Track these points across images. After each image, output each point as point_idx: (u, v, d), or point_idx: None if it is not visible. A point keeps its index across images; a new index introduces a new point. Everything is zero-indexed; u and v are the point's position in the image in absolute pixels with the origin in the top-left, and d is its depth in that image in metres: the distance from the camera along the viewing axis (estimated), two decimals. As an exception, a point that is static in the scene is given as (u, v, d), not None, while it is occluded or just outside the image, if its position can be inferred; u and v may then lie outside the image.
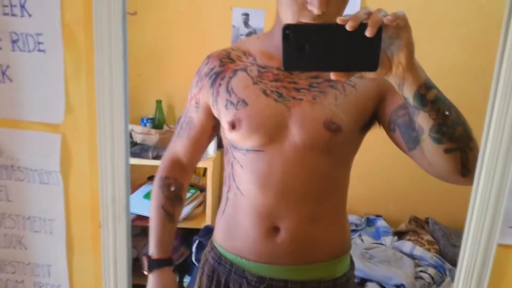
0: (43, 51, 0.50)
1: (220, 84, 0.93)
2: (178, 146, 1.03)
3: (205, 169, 2.23)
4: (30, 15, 0.48)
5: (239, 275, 0.92)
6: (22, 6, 0.48)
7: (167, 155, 1.05)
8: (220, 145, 2.14)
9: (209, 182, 2.12)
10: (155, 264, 0.95)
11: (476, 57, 2.15)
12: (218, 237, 1.01)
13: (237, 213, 0.96)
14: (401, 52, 0.64)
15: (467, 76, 2.16)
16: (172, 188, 1.02)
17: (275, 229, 0.92)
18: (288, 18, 0.80)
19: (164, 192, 1.01)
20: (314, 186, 0.91)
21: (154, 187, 1.03)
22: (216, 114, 0.97)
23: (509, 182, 0.48)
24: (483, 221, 0.49)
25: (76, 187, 0.54)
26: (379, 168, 2.24)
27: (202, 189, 2.26)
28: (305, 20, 0.79)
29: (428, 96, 0.68)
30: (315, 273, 0.93)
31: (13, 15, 0.49)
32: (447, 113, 0.70)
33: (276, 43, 0.90)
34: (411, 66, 0.65)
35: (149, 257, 0.96)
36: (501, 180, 0.48)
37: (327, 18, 0.78)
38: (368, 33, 0.58)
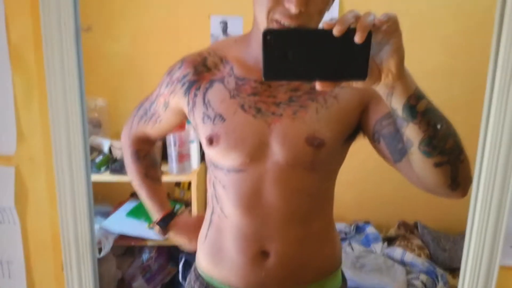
0: (-11, 74, 0.44)
1: (196, 95, 0.88)
2: (143, 129, 1.04)
3: (189, 183, 2.17)
4: (-29, 35, 0.43)
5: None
6: (-37, 26, 0.43)
7: (133, 133, 1.06)
8: (203, 158, 2.09)
9: (194, 196, 2.05)
10: (165, 223, 1.03)
11: (458, 58, 2.15)
12: (203, 264, 0.95)
13: (221, 237, 0.90)
14: (391, 59, 0.58)
15: (450, 77, 2.15)
16: (148, 157, 1.08)
17: (263, 253, 0.87)
18: (263, 16, 0.75)
19: (142, 163, 1.07)
20: (301, 205, 0.87)
21: (130, 163, 1.08)
22: (193, 123, 0.92)
23: (509, 197, 0.44)
24: (483, 241, 0.45)
25: (35, 225, 0.49)
26: (365, 173, 2.21)
27: (187, 204, 2.20)
28: (280, 17, 0.74)
29: (418, 107, 0.64)
30: (308, 295, 0.89)
31: (-47, 35, 0.43)
32: (438, 125, 0.66)
33: (254, 52, 0.86)
34: (401, 74, 0.60)
35: (158, 223, 1.03)
36: (501, 194, 0.44)
37: (306, 18, 0.73)
38: (357, 38, 0.53)
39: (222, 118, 0.84)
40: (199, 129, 0.88)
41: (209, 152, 0.87)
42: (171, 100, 0.93)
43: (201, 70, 0.88)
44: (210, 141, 0.84)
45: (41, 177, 0.46)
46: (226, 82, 0.86)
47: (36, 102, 0.44)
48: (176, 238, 1.06)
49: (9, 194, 0.48)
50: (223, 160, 0.85)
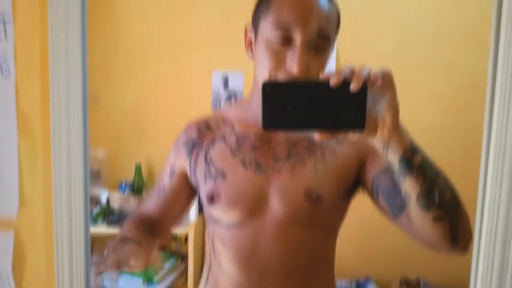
0: (-4, 140, 0.45)
1: (198, 154, 0.90)
2: (149, 206, 0.95)
3: (186, 236, 2.13)
4: (-18, 103, 0.45)
5: None
6: (-25, 93, 0.44)
7: (138, 210, 0.96)
8: (201, 210, 2.07)
9: (191, 250, 2.01)
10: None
11: (451, 114, 2.19)
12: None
13: (218, 293, 0.88)
14: (386, 113, 0.60)
15: (444, 133, 2.18)
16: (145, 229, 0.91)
17: (261, 310, 0.84)
18: (265, 75, 0.78)
19: (137, 225, 0.91)
20: (300, 262, 0.85)
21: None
22: (194, 184, 0.92)
23: None
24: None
25: (30, 291, 0.48)
26: (366, 227, 2.18)
27: (184, 257, 2.15)
28: (282, 77, 0.76)
29: (414, 161, 0.65)
30: None
31: (-36, 102, 0.45)
32: (434, 178, 0.67)
33: (254, 110, 0.88)
34: (397, 128, 0.62)
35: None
36: (503, 251, 0.43)
37: (306, 76, 0.76)
38: (352, 87, 0.55)
39: (224, 175, 0.85)
40: (200, 188, 0.88)
41: (209, 209, 0.87)
42: (176, 166, 0.93)
43: (204, 131, 0.90)
44: (211, 198, 0.84)
45: (40, 242, 0.46)
46: (228, 140, 0.88)
47: (40, 168, 0.44)
48: None
49: (7, 258, 0.47)
50: (223, 216, 0.85)
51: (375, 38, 2.18)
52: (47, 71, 0.41)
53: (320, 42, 0.77)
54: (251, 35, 0.85)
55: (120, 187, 2.24)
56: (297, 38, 0.75)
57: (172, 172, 0.94)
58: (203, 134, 0.91)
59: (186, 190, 0.93)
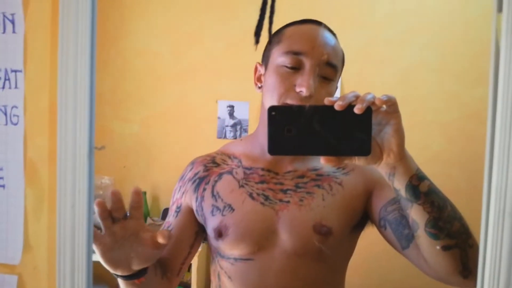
0: (3, 186, 0.46)
1: (204, 189, 0.90)
2: None
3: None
4: (-9, 150, 0.46)
5: None
6: (-16, 140, 0.46)
7: None
8: (205, 238, 2.05)
9: (194, 279, 2.00)
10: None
11: (457, 144, 2.19)
12: None
13: (227, 331, 0.87)
14: (392, 139, 0.60)
15: (448, 163, 2.17)
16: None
17: None
18: (274, 101, 0.79)
19: None
20: (309, 297, 0.84)
21: None
22: (200, 220, 0.92)
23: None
24: None
25: (31, 336, 0.48)
26: (374, 260, 2.15)
27: (187, 286, 2.13)
28: (291, 102, 0.78)
29: (421, 188, 0.64)
30: None
31: (-26, 148, 0.46)
32: (442, 206, 0.66)
33: (261, 143, 0.89)
34: (402, 154, 0.62)
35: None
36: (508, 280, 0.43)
37: (315, 102, 0.77)
38: (356, 110, 0.55)
39: (231, 208, 0.84)
40: (207, 222, 0.88)
41: (217, 244, 0.86)
42: (183, 202, 0.93)
43: (210, 167, 0.91)
44: (219, 232, 0.83)
45: (43, 286, 0.46)
46: (235, 173, 0.88)
47: (45, 214, 0.45)
48: None
49: (9, 303, 0.47)
50: (231, 250, 0.84)
51: (379, 68, 2.21)
52: (55, 120, 0.42)
53: (328, 70, 0.79)
54: (261, 69, 0.87)
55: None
56: (307, 62, 0.77)
57: (178, 209, 0.94)
58: (209, 169, 0.91)
59: (193, 227, 0.92)
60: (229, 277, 0.85)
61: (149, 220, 2.24)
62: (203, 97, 2.34)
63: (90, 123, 0.41)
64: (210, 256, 0.95)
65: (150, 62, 2.42)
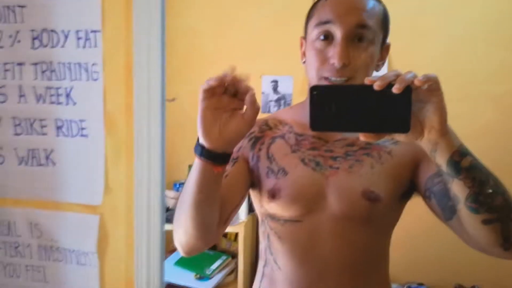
0: (86, 136, 0.52)
1: (260, 149, 0.93)
2: None
3: (236, 234, 2.19)
4: (74, 103, 0.51)
5: None
6: (68, 95, 0.51)
7: None
8: (251, 209, 2.12)
9: (241, 248, 2.06)
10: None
11: (509, 116, 2.10)
12: (256, 316, 0.95)
13: (274, 290, 0.91)
14: (433, 116, 0.61)
15: (501, 136, 2.10)
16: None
17: (316, 308, 0.86)
18: (313, 75, 0.81)
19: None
20: (357, 259, 0.87)
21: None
22: (255, 179, 0.95)
23: None
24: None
25: (112, 269, 0.54)
26: (419, 232, 2.13)
27: (234, 255, 2.20)
28: (328, 74, 0.79)
29: (463, 163, 0.65)
30: None
31: (59, 103, 0.52)
32: (484, 181, 0.66)
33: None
34: (444, 131, 0.62)
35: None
36: None
37: (351, 71, 0.77)
38: (394, 89, 0.56)
39: (285, 172, 0.88)
40: (262, 183, 0.91)
41: (270, 205, 0.90)
42: (240, 155, 0.96)
43: (264, 129, 0.94)
44: (273, 195, 0.87)
45: (121, 226, 0.52)
46: (287, 138, 0.91)
47: (123, 161, 0.51)
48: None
49: (92, 240, 0.54)
50: (283, 211, 0.88)
51: (426, 40, 2.14)
52: (130, 76, 0.47)
53: (361, 31, 0.78)
54: (304, 42, 0.88)
55: (174, 186, 2.34)
56: (337, 31, 0.78)
57: (233, 159, 0.97)
58: (263, 131, 0.94)
59: (247, 179, 0.96)
60: (279, 237, 0.89)
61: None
62: (247, 73, 2.36)
63: (162, 77, 0.46)
64: (259, 219, 0.99)
65: (193, 41, 2.46)
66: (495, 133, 2.13)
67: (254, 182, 0.94)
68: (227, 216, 0.98)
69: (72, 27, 0.50)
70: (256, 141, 0.94)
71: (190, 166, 2.39)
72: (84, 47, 0.50)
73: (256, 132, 0.95)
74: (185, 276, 2.01)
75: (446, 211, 0.77)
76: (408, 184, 0.87)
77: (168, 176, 2.47)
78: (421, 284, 2.12)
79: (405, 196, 0.88)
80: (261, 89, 2.36)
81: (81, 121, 0.52)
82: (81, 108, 0.52)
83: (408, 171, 0.86)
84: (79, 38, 0.50)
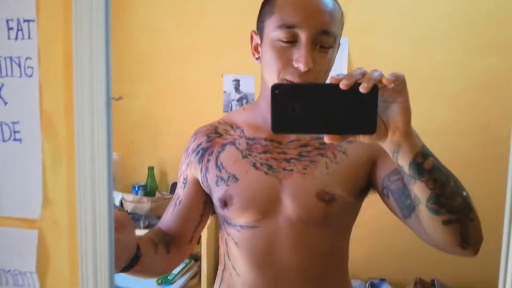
0: (20, 140, 0.46)
1: (208, 160, 0.91)
2: (161, 222, 0.96)
3: (199, 237, 2.14)
4: (6, 103, 0.45)
5: None
6: (-2, 94, 0.45)
7: (155, 228, 0.97)
8: (215, 211, 2.07)
9: (204, 250, 2.02)
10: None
11: (466, 115, 2.17)
12: (214, 322, 0.92)
13: (232, 296, 0.88)
14: (398, 117, 0.60)
15: (458, 134, 2.16)
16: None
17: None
18: (273, 77, 0.78)
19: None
20: (315, 262, 0.85)
21: None
22: (206, 190, 0.93)
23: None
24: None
25: (54, 290, 0.48)
26: (379, 228, 2.17)
27: (197, 258, 2.16)
28: (290, 77, 0.77)
29: (425, 165, 0.64)
30: None
31: (-12, 103, 0.45)
32: (445, 182, 0.66)
33: (263, 112, 0.88)
34: (408, 132, 0.62)
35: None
36: None
37: (314, 76, 0.76)
38: (362, 89, 0.54)
39: (235, 178, 0.85)
40: (212, 192, 0.89)
41: (223, 212, 0.87)
42: (189, 174, 0.94)
43: (213, 137, 0.91)
44: (224, 203, 0.85)
45: (63, 241, 0.46)
46: (238, 144, 0.88)
47: (63, 168, 0.45)
48: None
49: (31, 258, 0.47)
50: (237, 218, 0.85)
51: (387, 38, 2.17)
52: (70, 71, 0.41)
53: (325, 38, 0.77)
54: (257, 38, 0.85)
55: (133, 189, 2.26)
56: (302, 35, 0.75)
57: (185, 179, 0.95)
58: (212, 140, 0.91)
59: (201, 197, 0.93)
60: (236, 243, 0.87)
61: (158, 194, 2.25)
62: (209, 72, 2.32)
63: (107, 71, 0.40)
64: (218, 223, 0.96)
65: (154, 37, 2.39)
66: (451, 131, 2.19)
67: (208, 192, 0.92)
68: (190, 237, 0.95)
69: (1, 16, 0.44)
70: (203, 153, 0.92)
71: (150, 168, 2.32)
72: (16, 38, 0.44)
73: (204, 143, 0.92)
74: (146, 282, 1.95)
75: (404, 209, 0.77)
76: (365, 182, 0.86)
77: (127, 178, 2.39)
78: (383, 280, 2.16)
79: (362, 194, 0.88)
80: (223, 88, 2.33)
81: (14, 123, 0.46)
82: (14, 108, 0.46)
83: (364, 170, 0.85)
84: (10, 29, 0.44)
